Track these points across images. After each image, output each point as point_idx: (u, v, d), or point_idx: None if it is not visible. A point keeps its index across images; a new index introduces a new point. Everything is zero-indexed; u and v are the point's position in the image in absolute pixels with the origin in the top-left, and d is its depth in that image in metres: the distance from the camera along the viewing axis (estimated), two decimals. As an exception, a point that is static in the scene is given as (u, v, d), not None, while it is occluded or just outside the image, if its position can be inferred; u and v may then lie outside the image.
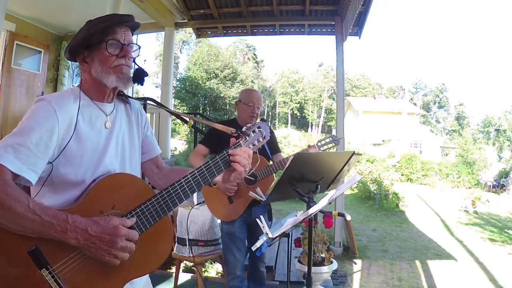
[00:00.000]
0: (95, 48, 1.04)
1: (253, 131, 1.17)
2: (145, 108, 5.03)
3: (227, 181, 1.15)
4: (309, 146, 2.32)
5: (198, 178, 1.06)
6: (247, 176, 2.15)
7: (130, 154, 1.14)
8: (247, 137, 1.15)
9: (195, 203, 3.14)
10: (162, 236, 1.05)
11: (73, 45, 1.05)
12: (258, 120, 2.45)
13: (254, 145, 1.17)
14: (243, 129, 1.16)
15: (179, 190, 1.03)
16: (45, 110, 0.94)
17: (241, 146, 1.13)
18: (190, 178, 1.05)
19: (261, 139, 1.18)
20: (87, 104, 1.04)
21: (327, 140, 2.31)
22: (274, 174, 2.27)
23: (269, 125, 2.69)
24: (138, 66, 1.12)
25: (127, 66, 1.07)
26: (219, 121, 2.79)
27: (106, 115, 1.08)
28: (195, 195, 3.76)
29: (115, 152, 1.08)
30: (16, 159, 0.87)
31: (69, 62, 6.31)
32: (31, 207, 0.85)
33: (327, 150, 2.30)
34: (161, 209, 1.01)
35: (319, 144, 2.29)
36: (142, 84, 1.13)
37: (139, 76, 1.11)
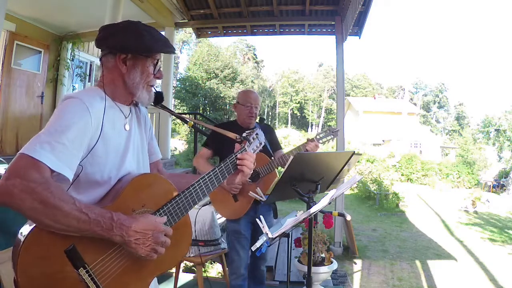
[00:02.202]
0: (142, 57, 1.05)
1: (253, 138, 1.29)
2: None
3: (231, 183, 1.25)
4: (308, 140, 2.30)
5: (213, 179, 1.15)
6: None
7: (142, 156, 1.18)
8: (248, 142, 1.27)
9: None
10: (183, 232, 1.12)
11: (131, 45, 1.03)
12: (257, 120, 2.48)
13: (254, 150, 1.30)
14: (244, 135, 1.29)
15: (198, 190, 1.11)
16: (79, 108, 0.94)
17: (246, 150, 1.25)
18: (207, 179, 1.13)
19: (258, 145, 1.32)
20: (110, 105, 1.04)
21: (326, 132, 2.32)
22: (276, 170, 2.31)
23: (269, 124, 2.75)
24: (155, 89, 1.17)
25: (154, 87, 1.14)
26: (221, 123, 2.83)
27: (125, 117, 1.10)
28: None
29: (133, 153, 1.11)
30: (54, 156, 0.86)
31: (69, 62, 6.31)
32: (77, 206, 0.85)
33: (326, 143, 2.33)
34: (183, 207, 1.08)
35: (318, 137, 2.30)
36: (156, 105, 1.22)
37: (159, 100, 1.18)
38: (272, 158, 2.34)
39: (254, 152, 1.28)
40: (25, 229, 0.87)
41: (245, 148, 1.25)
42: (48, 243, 0.85)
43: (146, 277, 1.03)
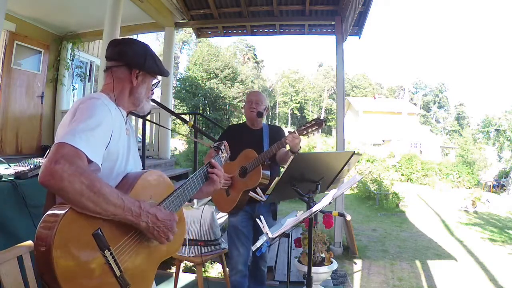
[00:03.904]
0: (149, 76, 1.25)
1: (222, 149, 1.50)
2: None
3: (207, 192, 1.40)
4: (289, 132, 2.21)
5: (191, 185, 1.30)
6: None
7: (137, 161, 1.31)
8: (221, 151, 1.49)
9: (195, 204, 3.14)
10: (180, 223, 1.24)
11: (149, 66, 1.21)
12: (274, 125, 2.50)
13: (224, 158, 1.50)
14: (215, 145, 1.52)
15: (186, 191, 1.26)
16: (103, 109, 1.07)
17: (220, 158, 1.47)
18: (187, 183, 1.29)
19: (226, 155, 1.53)
20: (116, 111, 1.17)
21: (310, 123, 2.16)
22: (261, 166, 2.28)
23: (270, 123, 2.79)
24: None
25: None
26: (232, 125, 2.91)
27: (125, 123, 1.23)
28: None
29: (132, 156, 1.23)
30: (89, 148, 0.96)
31: (69, 62, 6.31)
32: (116, 192, 0.97)
33: (310, 134, 2.20)
34: (181, 200, 1.23)
35: (300, 129, 2.17)
36: (145, 117, 1.41)
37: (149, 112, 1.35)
38: (259, 155, 2.31)
39: (223, 160, 1.50)
40: (55, 213, 0.92)
41: (219, 157, 1.47)
42: (78, 227, 0.92)
43: (154, 263, 1.17)
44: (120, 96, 1.20)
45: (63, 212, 0.91)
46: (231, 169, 2.40)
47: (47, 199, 1.06)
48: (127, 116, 1.28)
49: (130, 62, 1.19)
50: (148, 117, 6.05)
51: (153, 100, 1.37)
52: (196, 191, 1.31)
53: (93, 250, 0.93)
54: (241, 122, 2.78)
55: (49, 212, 0.93)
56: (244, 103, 2.64)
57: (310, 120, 2.19)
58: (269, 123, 40.19)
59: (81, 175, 0.89)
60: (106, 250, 0.95)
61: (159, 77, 1.31)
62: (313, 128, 2.15)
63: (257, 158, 2.28)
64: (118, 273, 0.98)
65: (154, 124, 6.07)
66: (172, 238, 1.11)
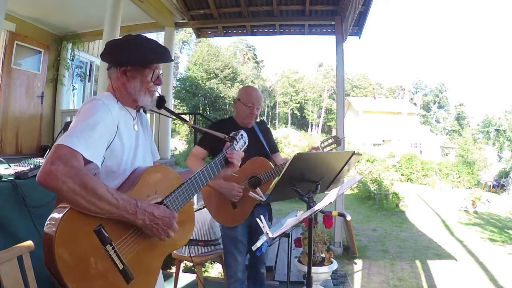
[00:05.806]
0: (140, 68, 1.20)
1: (238, 138, 1.49)
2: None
3: (224, 175, 1.43)
4: (312, 148, 2.29)
5: (209, 171, 1.33)
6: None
7: (147, 154, 1.34)
8: (235, 141, 1.47)
9: (195, 204, 3.14)
10: (188, 217, 1.29)
11: (129, 59, 1.18)
12: (259, 120, 2.43)
13: (240, 148, 1.49)
14: (231, 135, 1.48)
15: (198, 180, 1.28)
16: (103, 110, 1.10)
17: (234, 148, 1.45)
18: (205, 170, 1.31)
19: (243, 144, 1.52)
20: (121, 108, 1.21)
21: (330, 140, 2.29)
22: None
23: (269, 125, 2.72)
24: (159, 93, 1.32)
25: (156, 92, 1.29)
26: (219, 120, 2.79)
27: (134, 119, 1.26)
28: (195, 198, 3.78)
29: (141, 151, 1.26)
30: (87, 148, 0.99)
31: (69, 62, 6.31)
32: (110, 191, 0.99)
33: (331, 151, 2.25)
34: (187, 194, 1.25)
35: (323, 145, 2.28)
36: (160, 109, 1.36)
37: (161, 103, 1.33)
38: (276, 166, 2.26)
39: (241, 150, 1.48)
40: (56, 213, 0.96)
41: (234, 146, 1.45)
42: (80, 224, 0.97)
43: (159, 255, 1.20)
44: (119, 94, 1.22)
45: (65, 210, 0.95)
46: (236, 178, 2.14)
47: (58, 197, 1.09)
48: (137, 111, 1.30)
49: (115, 61, 1.21)
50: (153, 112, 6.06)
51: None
52: (211, 179, 1.33)
53: (95, 245, 0.98)
54: (227, 117, 2.53)
55: (54, 210, 0.99)
56: (237, 98, 2.32)
57: (329, 138, 2.29)
58: (269, 123, 40.20)
59: (75, 175, 0.93)
60: (108, 245, 0.99)
61: (158, 65, 1.24)
62: (333, 146, 2.26)
63: (275, 168, 2.19)
64: (121, 266, 1.02)
65: (153, 124, 6.07)
66: (172, 235, 1.13)
